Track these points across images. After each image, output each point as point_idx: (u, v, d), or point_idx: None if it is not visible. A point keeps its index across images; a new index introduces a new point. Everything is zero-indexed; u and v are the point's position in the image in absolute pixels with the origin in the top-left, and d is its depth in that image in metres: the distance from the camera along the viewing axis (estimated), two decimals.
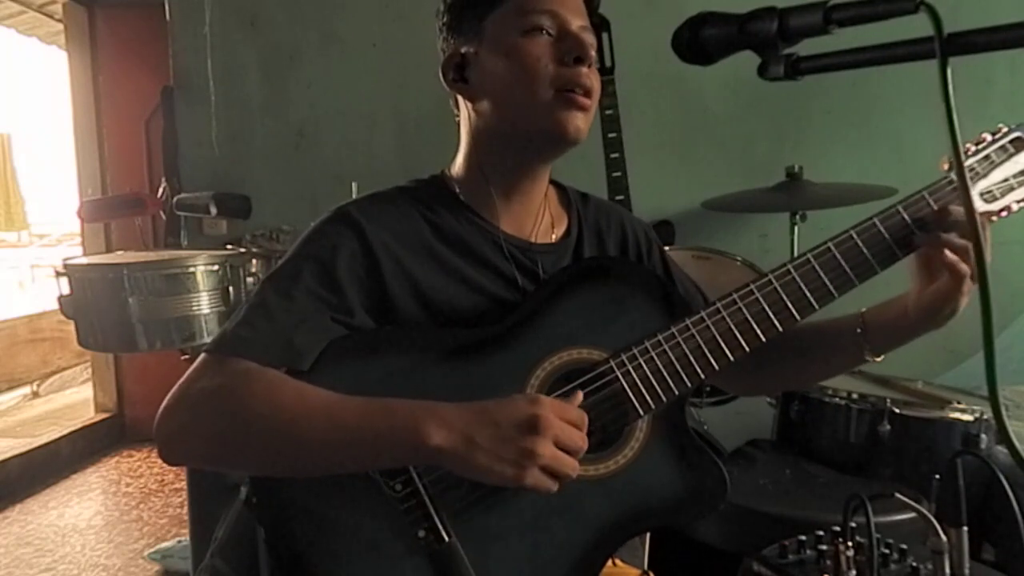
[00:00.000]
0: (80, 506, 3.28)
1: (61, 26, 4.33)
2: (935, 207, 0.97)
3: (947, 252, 0.93)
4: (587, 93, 0.95)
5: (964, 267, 0.92)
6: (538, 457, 0.79)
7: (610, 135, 2.30)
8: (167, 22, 3.10)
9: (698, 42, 0.75)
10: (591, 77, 0.95)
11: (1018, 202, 1.01)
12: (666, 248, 1.20)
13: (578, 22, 0.96)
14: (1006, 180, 1.00)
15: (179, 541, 2.75)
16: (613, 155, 2.30)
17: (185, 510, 2.45)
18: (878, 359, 1.03)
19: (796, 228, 2.30)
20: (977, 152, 1.00)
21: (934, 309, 0.96)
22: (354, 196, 1.01)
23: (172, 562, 2.66)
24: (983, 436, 1.69)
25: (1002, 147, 1.00)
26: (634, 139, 2.38)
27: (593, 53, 0.95)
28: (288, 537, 0.88)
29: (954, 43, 0.58)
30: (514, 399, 0.83)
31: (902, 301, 1.00)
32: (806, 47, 0.70)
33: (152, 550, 2.75)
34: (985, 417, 1.69)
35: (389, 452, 0.82)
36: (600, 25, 2.31)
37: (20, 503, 3.30)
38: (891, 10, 0.61)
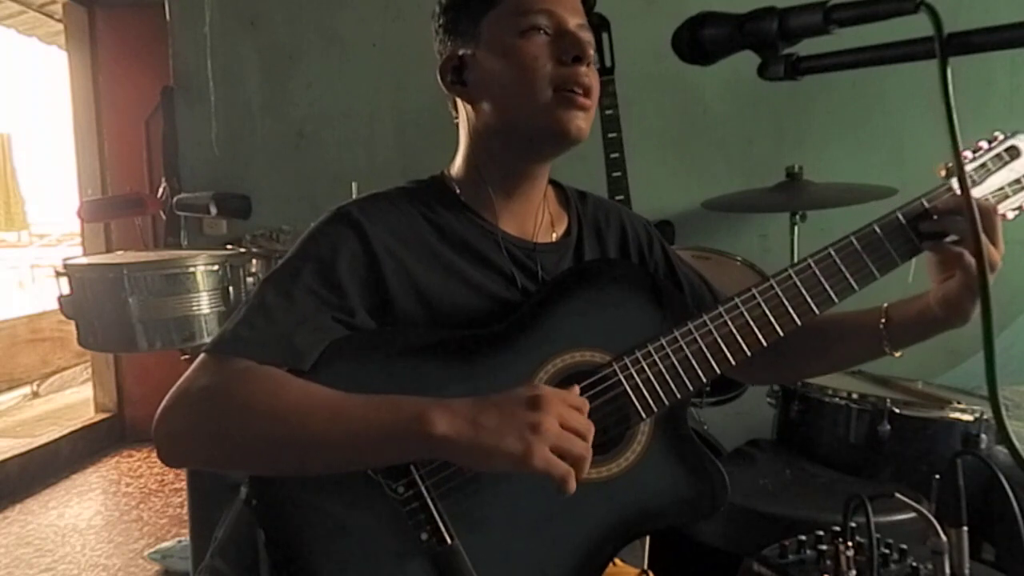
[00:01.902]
0: (80, 506, 3.28)
1: (61, 26, 4.33)
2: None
3: (951, 246, 0.94)
4: (587, 92, 0.95)
5: (971, 258, 0.93)
6: (543, 431, 0.77)
7: (610, 135, 2.30)
8: (167, 22, 3.10)
9: (698, 42, 0.75)
10: (590, 76, 0.95)
11: (1013, 210, 1.02)
12: None
13: (575, 20, 0.96)
14: (1001, 188, 1.01)
15: (179, 541, 2.75)
16: (613, 155, 2.30)
17: (185, 510, 2.45)
18: (897, 354, 1.03)
19: (796, 228, 2.30)
20: (973, 160, 1.01)
21: (954, 302, 0.96)
22: (354, 196, 1.01)
23: (172, 562, 2.66)
24: (983, 436, 1.69)
25: (997, 155, 1.01)
26: (634, 139, 2.38)
27: (591, 52, 0.95)
28: (288, 538, 0.88)
29: (954, 43, 0.58)
30: (515, 388, 0.82)
31: (925, 297, 1.00)
32: (806, 47, 0.69)
33: (152, 550, 2.75)
34: (985, 417, 1.69)
35: (394, 445, 0.81)
36: (600, 25, 2.31)
37: (20, 503, 3.30)
38: (891, 10, 0.61)
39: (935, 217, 0.97)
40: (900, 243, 0.98)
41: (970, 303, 0.95)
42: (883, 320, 1.02)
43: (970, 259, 0.93)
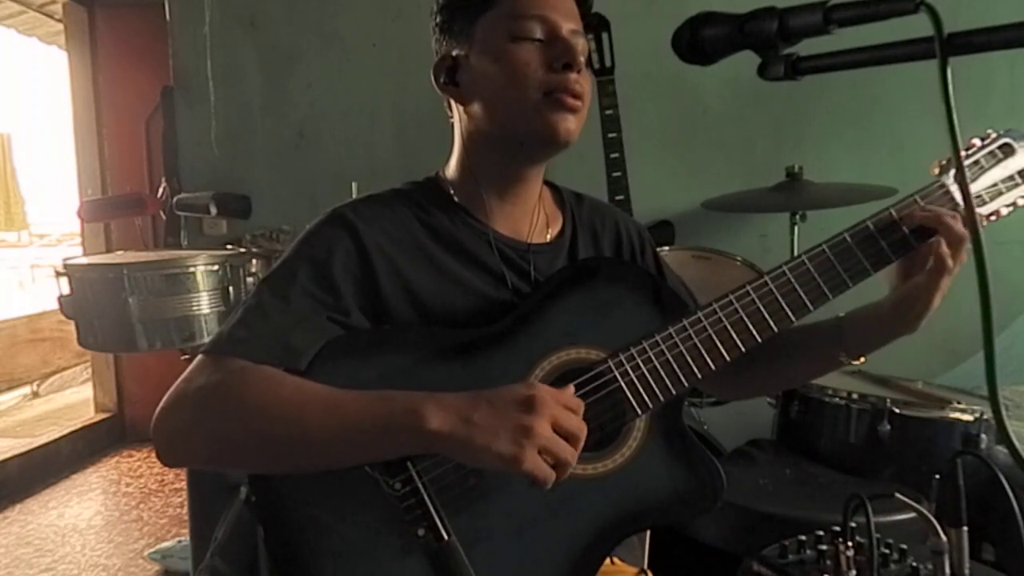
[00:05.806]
0: (80, 506, 3.29)
1: (61, 26, 4.33)
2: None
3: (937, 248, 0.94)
4: (577, 96, 0.94)
5: (951, 262, 0.93)
6: (536, 436, 0.78)
7: (610, 135, 2.30)
8: (167, 22, 3.10)
9: (698, 42, 0.75)
10: (581, 82, 0.95)
11: (1007, 206, 1.02)
12: (666, 248, 1.20)
13: (569, 26, 0.95)
14: (995, 185, 1.01)
15: (179, 541, 2.75)
16: (613, 155, 2.30)
17: (185, 510, 2.45)
18: (855, 361, 1.04)
19: (796, 228, 2.30)
20: (967, 157, 1.01)
21: (905, 307, 0.97)
22: (354, 196, 1.01)
23: (172, 562, 2.66)
24: (983, 436, 1.69)
25: (991, 152, 1.02)
26: (634, 139, 2.38)
27: (583, 58, 0.95)
28: (287, 536, 0.88)
29: (954, 43, 0.58)
30: (510, 385, 0.83)
31: (878, 303, 1.01)
32: (806, 47, 0.69)
33: (152, 550, 2.75)
34: (985, 417, 1.69)
35: (388, 439, 0.82)
36: (600, 25, 2.31)
37: (20, 503, 3.30)
38: (891, 10, 0.61)
39: (906, 230, 0.97)
40: (894, 239, 0.98)
41: (921, 307, 0.95)
42: (837, 330, 1.03)
43: (936, 258, 0.93)
